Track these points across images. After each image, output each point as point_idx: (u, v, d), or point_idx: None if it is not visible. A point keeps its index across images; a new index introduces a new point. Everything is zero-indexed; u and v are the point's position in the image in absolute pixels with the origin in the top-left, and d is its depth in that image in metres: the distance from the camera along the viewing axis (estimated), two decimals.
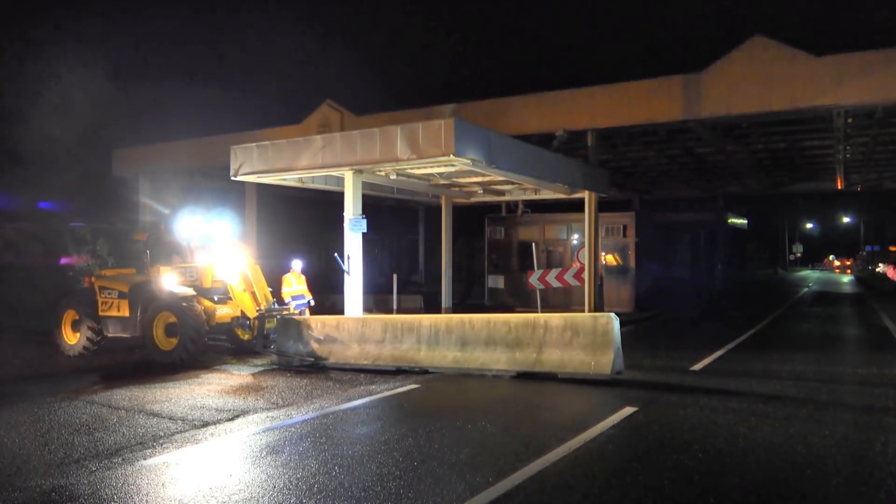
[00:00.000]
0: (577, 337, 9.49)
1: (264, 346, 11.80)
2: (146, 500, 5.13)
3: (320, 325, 11.45)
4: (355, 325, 11.20)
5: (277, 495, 5.18)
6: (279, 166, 13.03)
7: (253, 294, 11.97)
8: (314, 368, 10.89)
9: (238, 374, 10.68)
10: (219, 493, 5.26)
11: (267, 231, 21.73)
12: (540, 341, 9.73)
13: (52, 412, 8.06)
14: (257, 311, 11.89)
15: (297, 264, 13.99)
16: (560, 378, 9.33)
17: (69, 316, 12.83)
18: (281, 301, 13.14)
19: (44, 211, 24.04)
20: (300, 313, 12.94)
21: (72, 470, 5.87)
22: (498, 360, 9.88)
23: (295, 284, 13.71)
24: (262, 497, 5.15)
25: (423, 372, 10.24)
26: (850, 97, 14.52)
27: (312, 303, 13.81)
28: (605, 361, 9.16)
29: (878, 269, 48.00)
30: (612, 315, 9.48)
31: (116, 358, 12.48)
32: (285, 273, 13.85)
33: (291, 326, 11.61)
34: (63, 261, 13.86)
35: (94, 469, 5.89)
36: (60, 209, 24.26)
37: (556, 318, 9.83)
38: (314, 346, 11.26)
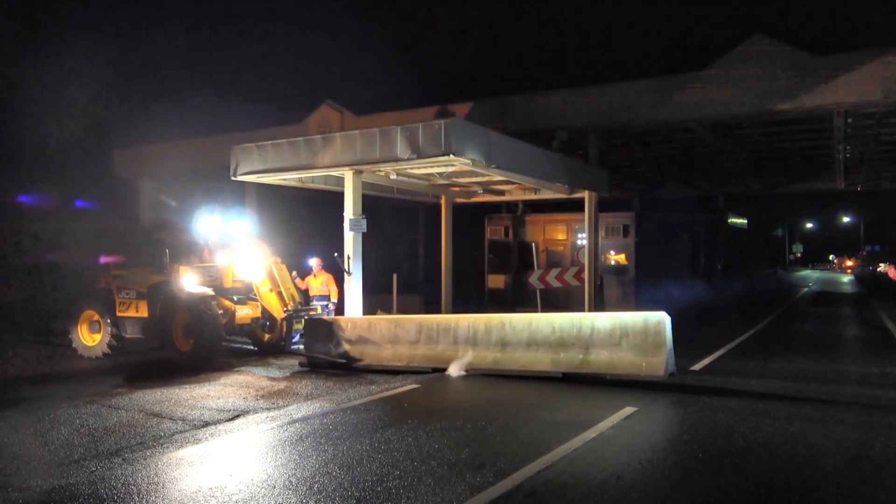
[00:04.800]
0: (627, 337, 9.24)
1: (292, 347, 11.65)
2: (146, 501, 5.13)
3: (351, 325, 11.27)
4: (387, 326, 11.03)
5: (277, 495, 5.18)
6: (279, 166, 13.02)
7: (279, 294, 11.79)
8: (342, 370, 10.72)
9: (250, 375, 10.62)
10: (219, 493, 5.26)
11: (267, 231, 21.72)
12: (586, 342, 9.50)
13: (52, 412, 8.06)
14: (285, 311, 11.70)
15: (314, 262, 13.79)
16: (609, 380, 9.15)
17: (86, 316, 12.61)
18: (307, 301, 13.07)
19: (79, 210, 24.04)
20: (327, 314, 12.81)
21: (72, 470, 5.87)
22: (540, 360, 9.68)
23: (311, 285, 13.62)
24: (262, 497, 5.15)
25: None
26: (850, 97, 14.51)
27: (331, 305, 13.28)
28: (657, 362, 8.91)
29: (878, 269, 47.78)
30: (664, 315, 9.21)
31: (129, 359, 12.43)
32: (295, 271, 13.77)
33: (320, 327, 11.44)
34: (102, 260, 13.69)
35: (94, 469, 5.89)
36: (94, 207, 24.30)
37: (603, 318, 9.59)
38: (344, 347, 11.09)
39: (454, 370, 9.99)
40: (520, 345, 9.96)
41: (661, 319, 9.13)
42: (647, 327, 9.17)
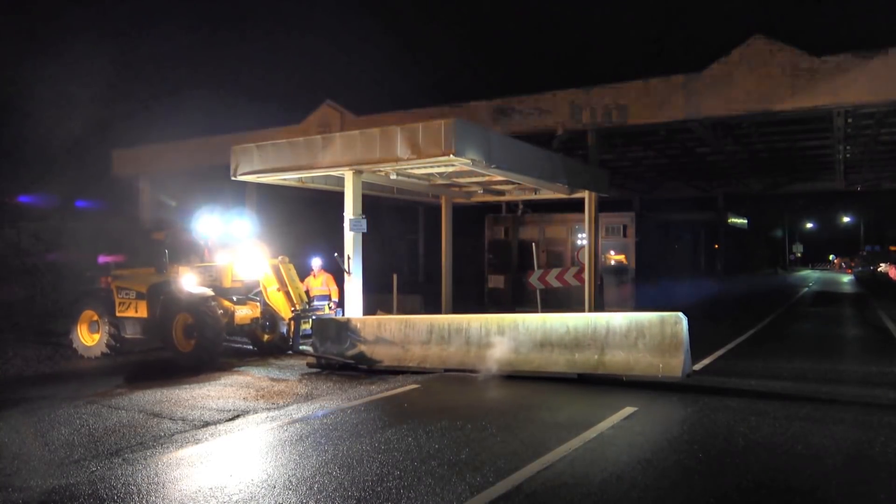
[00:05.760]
0: (643, 338, 9.10)
1: (300, 347, 11.57)
2: (146, 501, 5.13)
3: (360, 326, 11.16)
4: (398, 326, 10.91)
5: (277, 495, 5.18)
6: (279, 166, 13.03)
7: (287, 294, 11.76)
8: (352, 370, 10.65)
9: (250, 376, 10.60)
10: (219, 493, 5.26)
11: (267, 231, 21.76)
12: (602, 342, 9.36)
13: (53, 413, 8.06)
14: (292, 311, 11.63)
15: (315, 263, 13.84)
16: (626, 382, 9.07)
17: (86, 316, 12.58)
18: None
19: (79, 210, 24.10)
20: (336, 314, 12.74)
21: (72, 470, 5.87)
22: (556, 362, 9.54)
23: (311, 285, 13.61)
24: (262, 497, 5.15)
25: (474, 372, 9.93)
26: (850, 97, 14.52)
27: (330, 306, 13.02)
28: (675, 363, 8.79)
29: (879, 269, 47.55)
30: (680, 315, 9.08)
31: (129, 359, 12.42)
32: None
33: (329, 328, 11.32)
34: (101, 259, 13.70)
35: (94, 469, 5.89)
36: (94, 207, 24.36)
37: (619, 318, 9.44)
38: (354, 347, 10.96)
39: (487, 370, 9.79)
40: (534, 346, 9.80)
41: (678, 319, 9.00)
42: (663, 327, 9.03)
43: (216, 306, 11.54)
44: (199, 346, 11.20)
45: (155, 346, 12.59)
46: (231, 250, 12.59)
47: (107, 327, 12.27)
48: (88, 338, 12.58)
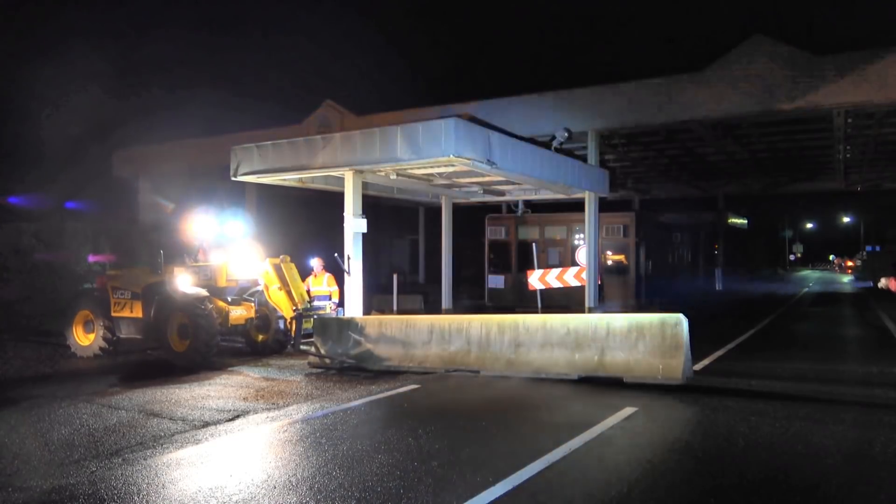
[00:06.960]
0: (644, 340, 9.04)
1: (300, 347, 11.54)
2: (146, 501, 5.13)
3: (362, 325, 11.12)
4: (399, 326, 10.86)
5: (277, 495, 5.18)
6: (279, 166, 13.03)
7: (289, 293, 11.74)
8: (352, 370, 10.64)
9: (249, 376, 10.60)
10: (219, 493, 5.26)
11: (266, 231, 21.78)
12: (602, 344, 9.31)
13: (52, 412, 8.06)
14: (294, 310, 11.61)
15: (317, 263, 13.90)
16: (626, 382, 9.00)
17: (81, 316, 12.62)
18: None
19: (70, 210, 24.16)
20: (338, 314, 12.71)
21: (72, 470, 5.87)
22: (556, 363, 9.49)
23: (312, 285, 13.64)
24: (262, 497, 5.15)
25: (475, 372, 9.90)
26: (850, 97, 14.53)
27: (330, 306, 12.96)
28: (675, 365, 8.74)
29: (879, 285, 44.46)
30: (681, 316, 9.03)
31: (128, 359, 12.42)
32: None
33: (331, 327, 11.28)
34: (91, 258, 13.76)
35: (94, 469, 5.89)
36: (87, 209, 24.43)
37: (619, 319, 9.39)
38: (355, 347, 10.93)
39: (488, 370, 9.77)
40: (534, 346, 9.76)
41: (678, 321, 8.94)
42: (664, 329, 8.97)
43: (211, 306, 11.57)
44: (193, 346, 11.23)
45: (152, 345, 12.60)
46: (226, 250, 12.61)
47: (101, 326, 12.31)
48: (84, 337, 12.61)
